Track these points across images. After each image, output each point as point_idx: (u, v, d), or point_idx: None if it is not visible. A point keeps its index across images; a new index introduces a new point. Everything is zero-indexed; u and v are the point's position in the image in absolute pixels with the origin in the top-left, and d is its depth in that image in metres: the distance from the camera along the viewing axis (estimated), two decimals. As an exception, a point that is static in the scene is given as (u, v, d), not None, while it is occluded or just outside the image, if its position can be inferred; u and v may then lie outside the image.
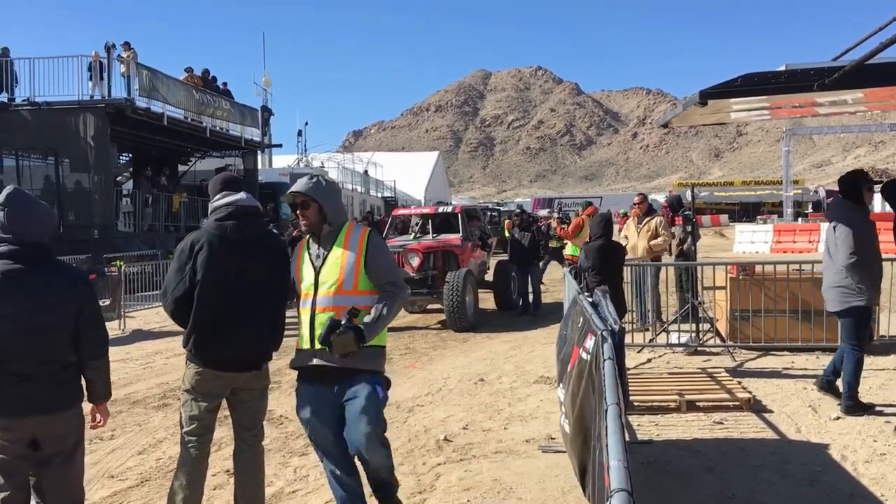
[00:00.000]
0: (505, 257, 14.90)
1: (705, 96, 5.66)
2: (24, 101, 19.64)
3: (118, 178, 23.14)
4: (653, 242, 10.51)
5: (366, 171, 42.55)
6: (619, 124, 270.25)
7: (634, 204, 11.26)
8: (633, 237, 10.75)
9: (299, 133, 39.51)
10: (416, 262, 12.23)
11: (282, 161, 38.25)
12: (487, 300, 14.04)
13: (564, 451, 5.30)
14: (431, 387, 7.84)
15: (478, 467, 5.31)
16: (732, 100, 6.11)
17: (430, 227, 13.97)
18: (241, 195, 3.96)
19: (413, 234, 13.99)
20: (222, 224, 3.89)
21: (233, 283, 3.83)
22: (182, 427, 3.93)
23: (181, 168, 27.09)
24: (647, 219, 10.75)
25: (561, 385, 5.33)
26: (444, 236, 13.47)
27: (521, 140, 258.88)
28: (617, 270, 8.17)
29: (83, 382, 3.44)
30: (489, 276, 14.45)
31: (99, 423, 3.57)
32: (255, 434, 4.06)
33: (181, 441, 3.94)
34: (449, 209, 14.42)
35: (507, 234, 19.25)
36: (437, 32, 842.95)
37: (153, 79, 20.43)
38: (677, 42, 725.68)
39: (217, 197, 3.97)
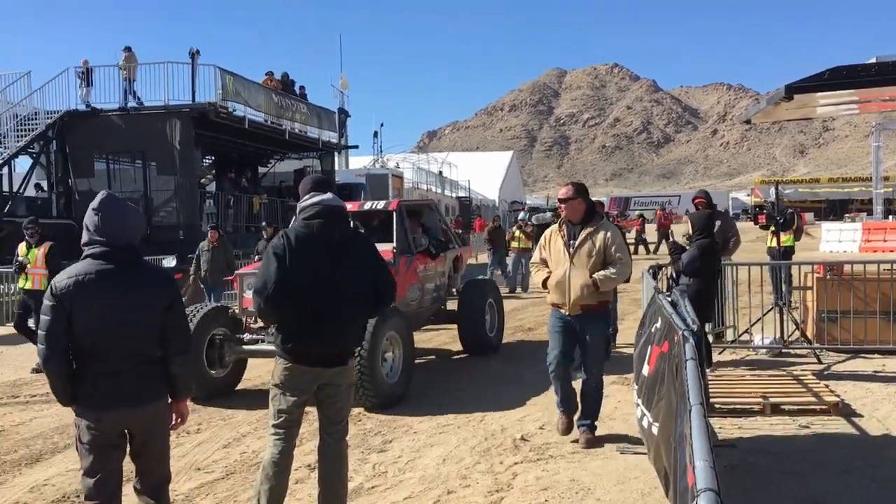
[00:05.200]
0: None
1: (791, 91, 5.52)
2: (107, 107, 20.51)
3: (202, 181, 23.87)
4: (599, 275, 5.61)
5: (440, 172, 42.75)
6: (699, 121, 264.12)
7: (560, 202, 5.89)
8: (560, 262, 5.78)
9: (375, 134, 40.01)
10: None
11: (358, 162, 38.78)
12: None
13: (643, 453, 5.25)
14: (507, 386, 7.84)
15: (555, 467, 5.30)
16: (819, 94, 5.94)
17: None
18: (328, 195, 4.08)
19: None
20: (310, 223, 4.01)
21: (319, 280, 3.93)
22: (271, 421, 4.06)
23: (261, 170, 27.81)
24: (588, 230, 5.74)
25: (637, 386, 5.28)
26: None
27: (597, 138, 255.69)
28: (718, 272, 7.97)
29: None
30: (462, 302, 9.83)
31: (178, 422, 3.64)
32: (340, 429, 4.16)
33: (269, 434, 4.06)
34: (380, 206, 9.35)
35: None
36: (512, 32, 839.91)
37: (235, 84, 21.03)
38: (759, 35, 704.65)
39: (305, 197, 4.09)
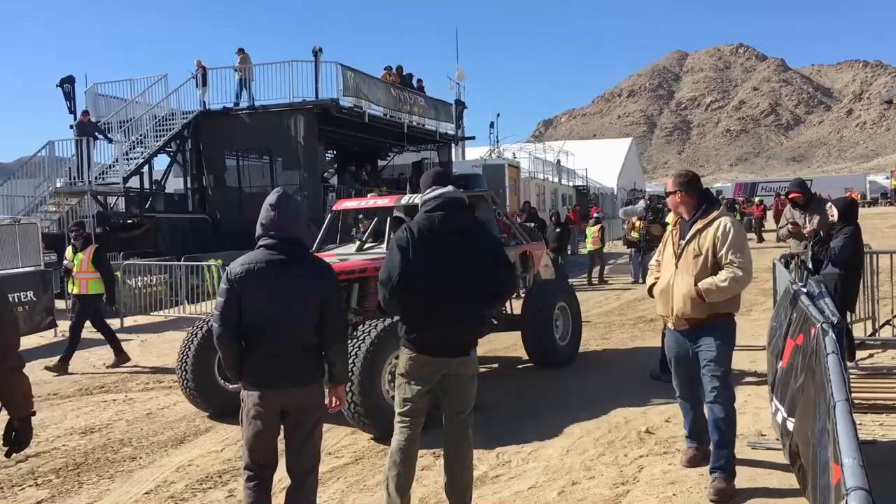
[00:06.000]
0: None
1: (938, 67, 5.13)
2: (237, 104, 21.44)
3: (325, 175, 24.61)
4: (704, 284, 4.60)
5: (558, 161, 42.34)
6: (832, 101, 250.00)
7: (668, 194, 5.08)
8: (668, 266, 4.91)
9: (491, 125, 39.94)
10: None
11: (474, 153, 38.90)
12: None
13: (774, 448, 5.07)
14: (629, 377, 7.72)
15: (682, 461, 5.18)
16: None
17: (388, 228, 7.98)
18: (449, 188, 4.17)
19: (357, 239, 8.69)
20: (431, 215, 4.11)
21: (440, 271, 4.02)
22: (397, 409, 4.17)
23: (380, 163, 28.41)
24: (698, 225, 4.75)
25: (770, 379, 5.09)
26: None
27: (721, 122, 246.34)
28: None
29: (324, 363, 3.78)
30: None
31: (336, 405, 3.88)
32: (464, 419, 4.22)
33: (395, 422, 4.18)
34: (416, 200, 7.37)
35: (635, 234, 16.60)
36: (630, 15, 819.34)
37: (356, 79, 21.55)
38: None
39: (427, 191, 4.18)
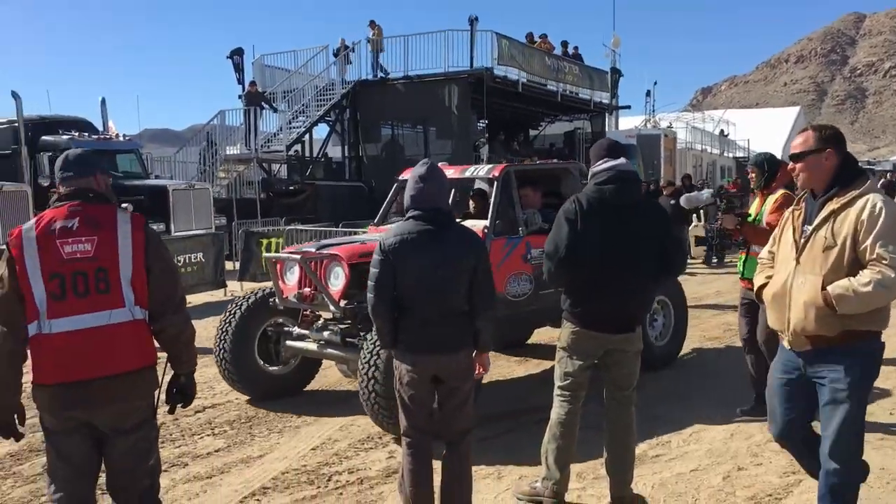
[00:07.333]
0: None
1: None
2: (392, 75, 21.85)
3: (476, 144, 24.73)
4: (837, 288, 3.17)
5: (721, 131, 40.59)
6: None
7: (793, 160, 3.44)
8: (785, 260, 3.45)
9: (648, 93, 38.65)
10: (339, 282, 5.88)
11: (628, 122, 37.84)
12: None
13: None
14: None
15: (860, 454, 4.84)
16: None
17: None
18: (621, 160, 4.06)
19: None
20: (601, 188, 4.01)
21: (609, 245, 3.92)
22: (557, 382, 4.13)
23: (531, 132, 28.20)
24: (833, 205, 3.29)
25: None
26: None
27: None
28: None
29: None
30: None
31: (480, 371, 3.94)
32: (627, 396, 4.15)
33: (555, 395, 4.14)
34: (482, 171, 7.09)
35: None
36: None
37: (511, 48, 21.42)
38: None
39: (598, 162, 4.07)
